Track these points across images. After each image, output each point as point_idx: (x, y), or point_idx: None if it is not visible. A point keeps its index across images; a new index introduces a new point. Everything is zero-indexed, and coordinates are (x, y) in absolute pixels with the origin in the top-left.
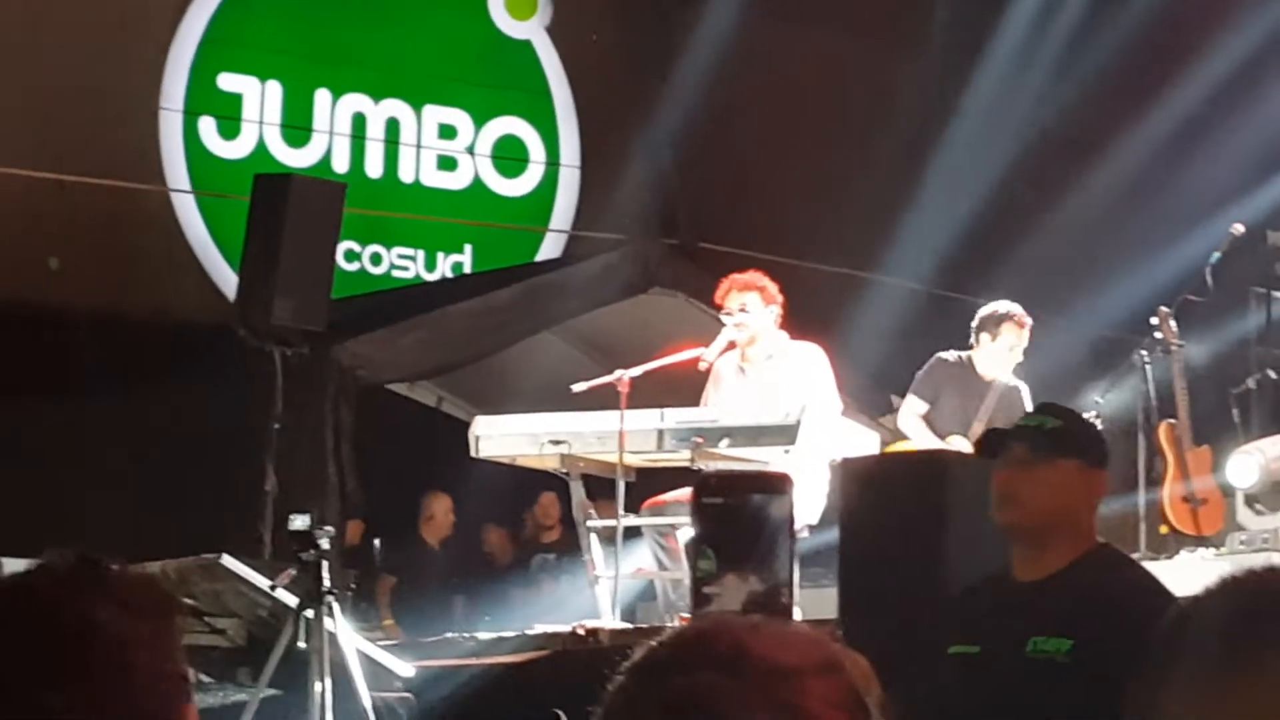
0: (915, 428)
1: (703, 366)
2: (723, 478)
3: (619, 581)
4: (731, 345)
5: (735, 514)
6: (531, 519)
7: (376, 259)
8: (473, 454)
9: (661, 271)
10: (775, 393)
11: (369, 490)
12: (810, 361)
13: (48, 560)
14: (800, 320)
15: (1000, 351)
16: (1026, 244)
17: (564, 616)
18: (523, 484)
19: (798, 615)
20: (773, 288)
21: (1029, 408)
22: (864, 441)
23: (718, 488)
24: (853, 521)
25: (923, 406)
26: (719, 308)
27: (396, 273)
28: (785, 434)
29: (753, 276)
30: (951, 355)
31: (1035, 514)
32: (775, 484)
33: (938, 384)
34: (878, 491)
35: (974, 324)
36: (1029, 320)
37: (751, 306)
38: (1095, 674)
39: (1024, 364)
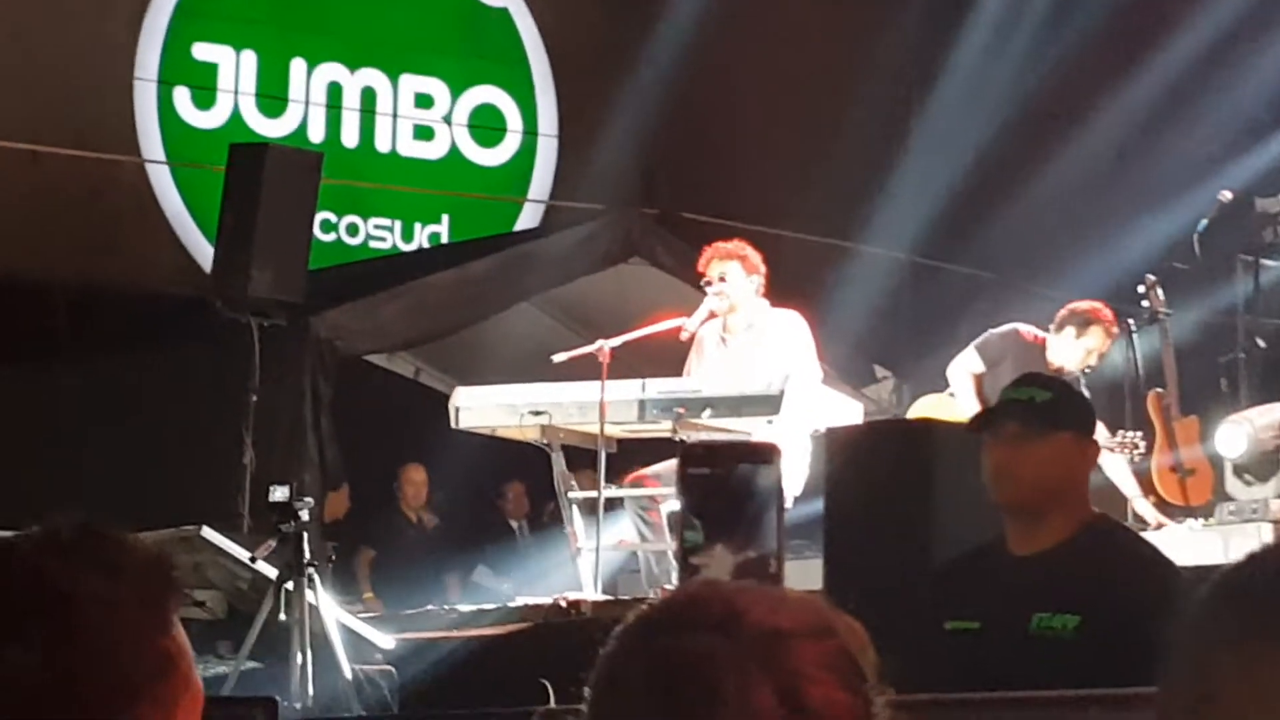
0: (963, 383)
1: (684, 336)
2: (709, 447)
3: (601, 553)
4: (712, 315)
5: (722, 484)
6: (503, 505)
7: (353, 229)
8: (453, 425)
9: (642, 241)
10: (757, 362)
11: (348, 462)
12: (791, 330)
13: (44, 525)
14: (782, 290)
15: (1078, 349)
16: (1010, 212)
17: (547, 588)
18: (502, 457)
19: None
20: (754, 257)
21: None
22: (847, 411)
23: (704, 457)
24: (838, 492)
25: (979, 366)
26: (700, 277)
27: (373, 243)
28: (768, 404)
29: (734, 245)
30: (1029, 332)
31: (1032, 489)
32: (763, 453)
33: (1003, 352)
34: (863, 462)
35: (1062, 313)
36: (1119, 330)
37: (732, 276)
38: (1103, 648)
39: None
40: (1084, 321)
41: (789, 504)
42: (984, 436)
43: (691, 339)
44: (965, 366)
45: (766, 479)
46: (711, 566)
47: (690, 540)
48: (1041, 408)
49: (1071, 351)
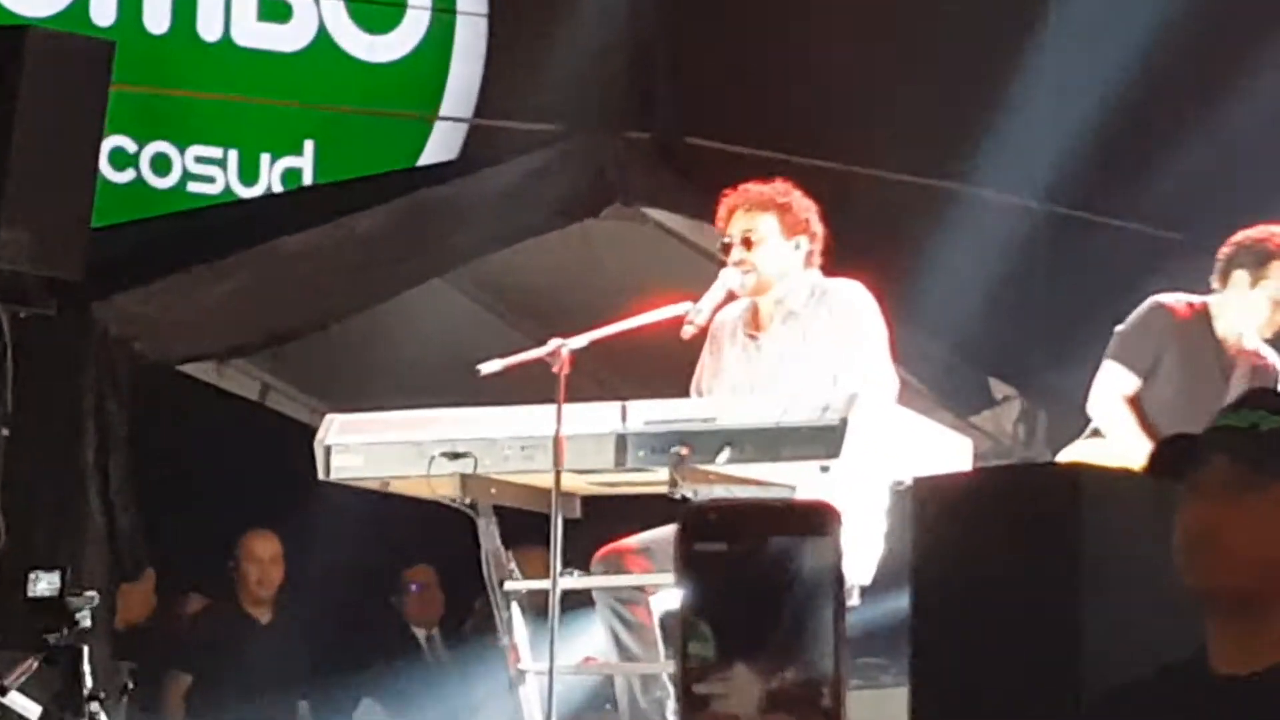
0: (1117, 415)
1: (689, 333)
2: (728, 511)
3: (557, 678)
4: (732, 297)
5: (746, 568)
6: (403, 603)
7: (163, 164)
8: (321, 474)
9: (624, 182)
10: (805, 373)
11: (153, 536)
12: (858, 318)
13: None
14: (846, 259)
15: (1261, 302)
16: (1201, 143)
17: None
18: (400, 526)
19: None
20: (802, 206)
21: None
22: (948, 451)
23: (719, 526)
24: (935, 579)
25: (1129, 381)
26: (722, 230)
27: (194, 186)
28: (823, 440)
29: (770, 189)
30: (1178, 301)
31: (1250, 569)
32: (811, 519)
33: (1158, 346)
34: (974, 530)
35: (1221, 256)
36: None
37: (765, 235)
38: None
39: None
40: (1261, 256)
41: (853, 599)
42: (1176, 487)
43: (701, 336)
44: (1113, 388)
45: (817, 560)
46: (731, 697)
47: (696, 656)
48: (1274, 440)
49: (1247, 311)
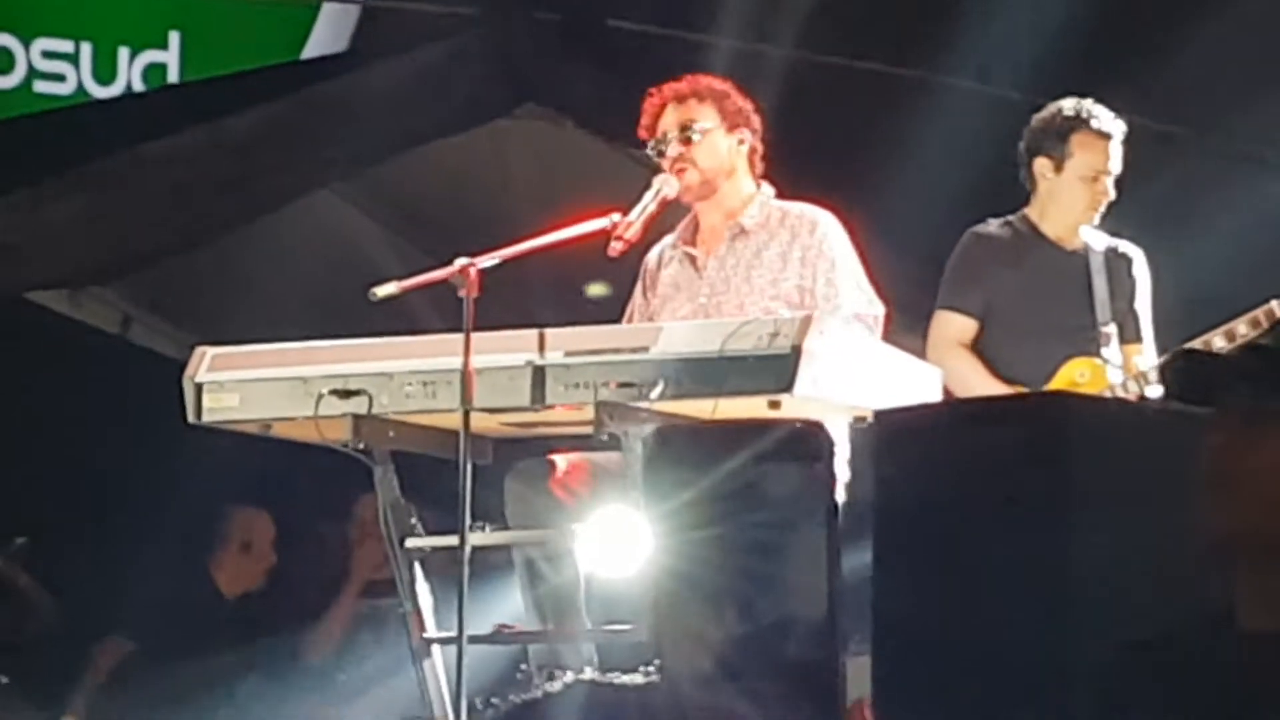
0: (953, 365)
1: (616, 250)
2: (699, 434)
3: (467, 649)
4: (665, 205)
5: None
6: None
7: (4, 61)
8: (191, 416)
9: (540, 75)
10: (754, 295)
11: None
12: (819, 237)
13: None
14: (800, 166)
15: (1073, 187)
16: (1168, 40)
17: (378, 713)
18: (284, 471)
19: None
20: (739, 99)
21: (1141, 284)
22: (918, 382)
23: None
24: (901, 525)
25: (965, 325)
26: (647, 138)
27: (42, 86)
28: (772, 371)
29: (703, 79)
30: (995, 225)
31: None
32: (798, 443)
33: (986, 279)
34: (944, 470)
35: (1022, 146)
36: (1117, 126)
37: (704, 131)
38: None
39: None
40: (1056, 136)
41: None
42: (1195, 414)
43: (630, 253)
44: (948, 335)
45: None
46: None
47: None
48: None
49: (1067, 196)
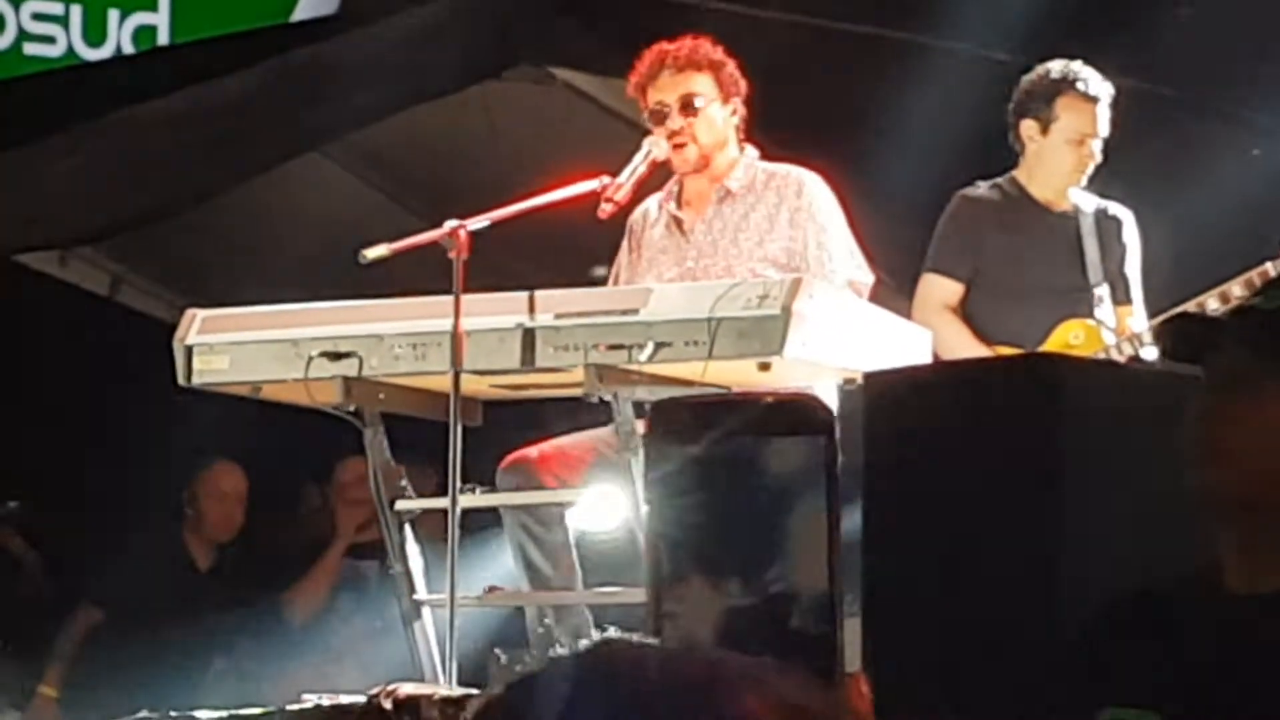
0: (946, 329)
1: (606, 211)
2: (701, 408)
3: (458, 610)
4: (655, 168)
5: (719, 472)
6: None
7: None
8: (182, 379)
9: (529, 38)
10: (742, 258)
11: None
12: (808, 201)
13: None
14: (788, 129)
15: (1060, 150)
16: (1170, 3)
17: (365, 674)
18: (271, 431)
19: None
20: (732, 67)
21: (1131, 246)
22: (908, 344)
23: (691, 425)
24: (889, 488)
25: (951, 289)
26: (637, 96)
27: (31, 48)
28: (762, 333)
29: (701, 47)
30: (984, 187)
31: (1270, 475)
32: (798, 417)
33: (974, 242)
34: (934, 432)
35: (1010, 108)
36: (1104, 89)
37: (699, 98)
38: None
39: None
40: (1042, 99)
41: None
42: (1186, 374)
43: (618, 215)
44: (928, 301)
45: (803, 462)
46: (685, 616)
47: (657, 569)
48: None
49: (1054, 158)
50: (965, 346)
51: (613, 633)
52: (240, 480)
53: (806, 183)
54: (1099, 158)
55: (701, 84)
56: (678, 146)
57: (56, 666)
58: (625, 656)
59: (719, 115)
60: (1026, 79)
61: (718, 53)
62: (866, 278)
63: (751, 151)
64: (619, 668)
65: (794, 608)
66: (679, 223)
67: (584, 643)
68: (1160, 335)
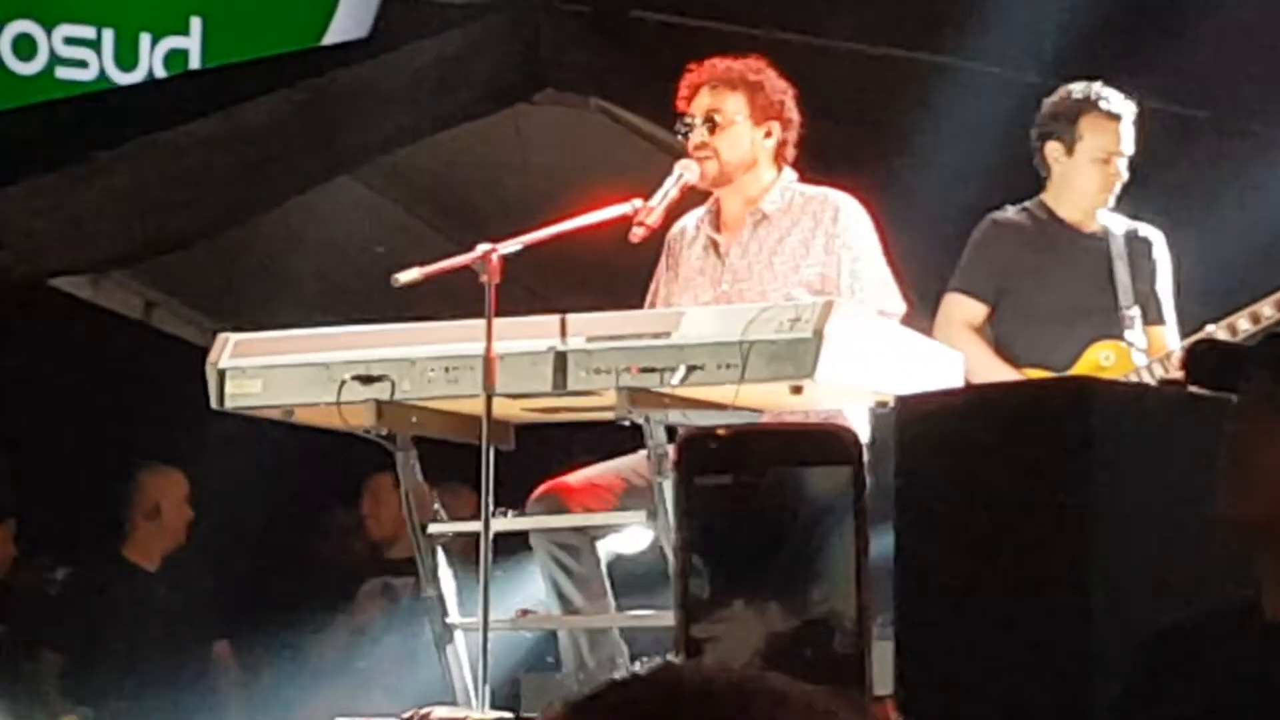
0: (969, 348)
1: (638, 235)
2: (732, 438)
3: (491, 634)
4: (688, 192)
5: (752, 503)
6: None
7: (26, 47)
8: (215, 402)
9: (560, 61)
10: (777, 282)
11: (18, 476)
12: (842, 228)
13: None
14: (822, 154)
15: (1086, 170)
16: (1194, 22)
17: (394, 696)
18: (310, 457)
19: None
20: (776, 89)
21: (1162, 266)
22: (941, 368)
23: (723, 456)
24: (922, 512)
25: (976, 310)
26: (682, 111)
27: (63, 72)
28: (794, 357)
29: (742, 65)
30: (1013, 211)
31: None
32: (828, 447)
33: (1002, 266)
34: (966, 456)
35: (1034, 132)
36: (1126, 107)
37: (732, 117)
38: None
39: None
40: (1066, 119)
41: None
42: (1221, 401)
43: (652, 239)
44: (951, 320)
45: (834, 491)
46: (727, 640)
47: (694, 595)
48: None
49: (1080, 179)
50: (986, 366)
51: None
52: (181, 482)
53: (843, 208)
54: (1125, 176)
55: (732, 102)
56: (700, 160)
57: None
58: (691, 681)
59: (746, 134)
60: (1048, 102)
61: (760, 74)
62: (898, 307)
63: (789, 174)
64: (685, 693)
65: (827, 632)
66: (715, 245)
67: (648, 665)
68: (1186, 362)
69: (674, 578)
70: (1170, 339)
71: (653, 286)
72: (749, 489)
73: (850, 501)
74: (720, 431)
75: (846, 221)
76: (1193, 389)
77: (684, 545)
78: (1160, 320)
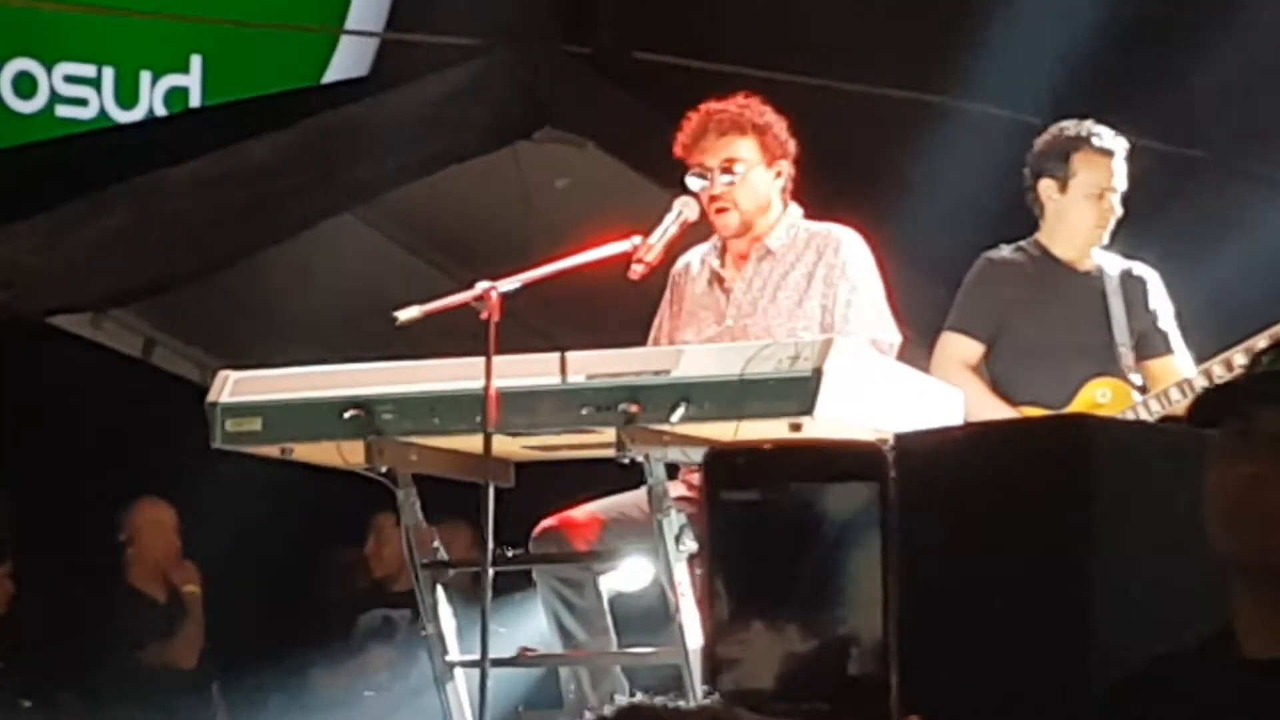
0: (966, 386)
1: (637, 273)
2: (759, 455)
3: (491, 672)
4: (686, 228)
5: (778, 519)
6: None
7: (26, 86)
8: (214, 440)
9: (561, 100)
10: (781, 319)
11: (18, 513)
12: (842, 260)
13: None
14: (822, 193)
15: (1080, 206)
16: (1192, 63)
17: None
18: (302, 493)
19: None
20: (780, 127)
21: (1162, 305)
22: (940, 404)
23: (749, 473)
24: (920, 548)
25: (971, 349)
26: (683, 157)
27: (64, 110)
28: (794, 394)
29: (743, 107)
30: (1008, 250)
31: None
32: (856, 463)
33: (998, 305)
34: (964, 493)
35: (1027, 171)
36: (1118, 143)
37: (748, 163)
38: None
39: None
40: (1058, 156)
41: None
42: (1209, 439)
43: (651, 276)
44: (947, 359)
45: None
46: (747, 661)
47: (717, 617)
48: None
49: (1074, 216)
50: (984, 404)
51: (641, 697)
52: (169, 512)
53: (844, 241)
54: (1119, 211)
55: (744, 148)
56: (719, 211)
57: None
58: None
59: (761, 179)
60: (1040, 140)
61: (764, 115)
62: (893, 338)
63: (795, 210)
64: None
65: (850, 653)
66: (720, 280)
67: (609, 708)
68: (1193, 406)
69: (700, 597)
70: (1183, 365)
71: (656, 322)
72: (775, 505)
73: (876, 516)
74: (747, 448)
75: (847, 254)
76: (1188, 425)
77: (712, 561)
78: (1169, 350)
